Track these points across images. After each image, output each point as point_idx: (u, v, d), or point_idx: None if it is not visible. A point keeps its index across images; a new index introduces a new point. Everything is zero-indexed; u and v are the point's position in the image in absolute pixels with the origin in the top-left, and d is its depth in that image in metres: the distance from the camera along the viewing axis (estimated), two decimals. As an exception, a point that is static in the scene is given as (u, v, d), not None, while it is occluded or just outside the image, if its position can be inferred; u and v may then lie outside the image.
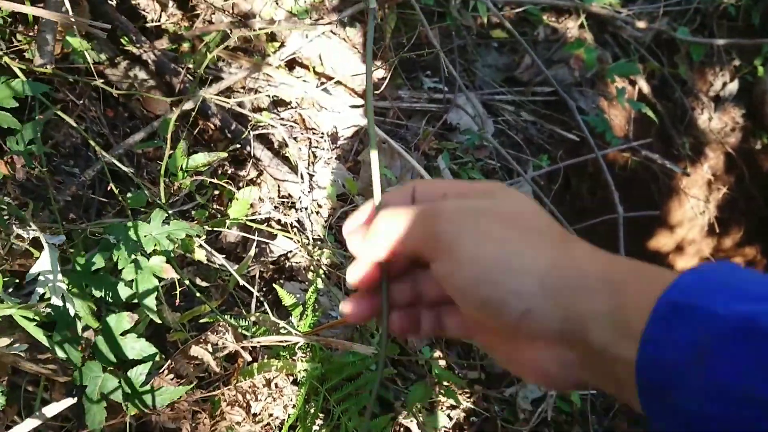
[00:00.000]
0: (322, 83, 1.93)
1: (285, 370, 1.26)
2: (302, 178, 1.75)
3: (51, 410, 0.85)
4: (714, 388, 0.36)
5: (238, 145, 1.73)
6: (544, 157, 2.08)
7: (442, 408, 1.66)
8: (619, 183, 2.60)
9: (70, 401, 0.86)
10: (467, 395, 1.68)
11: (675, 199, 2.67)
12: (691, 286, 0.39)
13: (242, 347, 1.27)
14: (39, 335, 0.87)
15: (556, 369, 0.45)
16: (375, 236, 0.49)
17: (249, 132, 1.72)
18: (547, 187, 2.31)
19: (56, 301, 0.82)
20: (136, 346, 0.97)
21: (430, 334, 0.54)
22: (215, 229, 1.57)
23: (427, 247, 0.47)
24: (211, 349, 1.15)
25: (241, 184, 1.79)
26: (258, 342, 1.26)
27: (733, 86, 2.60)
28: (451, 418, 1.64)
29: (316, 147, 1.86)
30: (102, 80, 1.65)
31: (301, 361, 1.38)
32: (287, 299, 1.36)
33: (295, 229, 1.75)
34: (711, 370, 0.36)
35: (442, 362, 1.70)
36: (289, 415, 1.31)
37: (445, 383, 1.51)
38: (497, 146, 1.72)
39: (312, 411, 1.37)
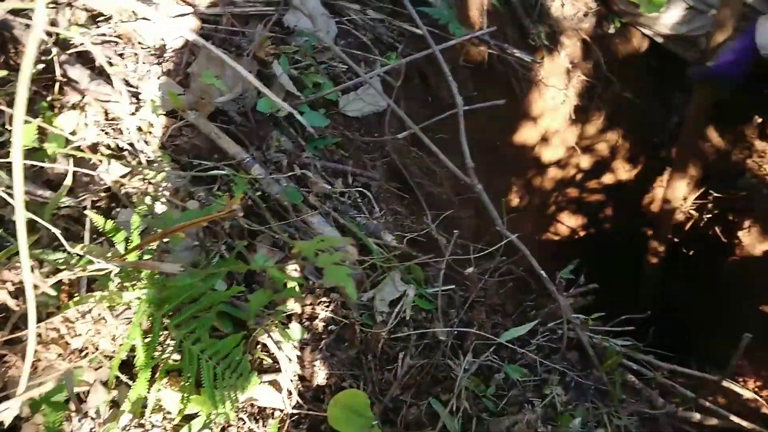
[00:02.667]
0: (145, -8, 1.78)
1: (106, 301, 1.18)
2: (127, 96, 1.62)
3: None
4: None
5: (43, 66, 1.57)
6: (393, 55, 2.01)
7: (299, 320, 1.63)
8: (479, 78, 2.58)
9: None
10: (325, 304, 1.66)
11: (535, 90, 2.68)
12: None
13: (59, 281, 1.18)
14: None
15: None
16: None
17: (57, 51, 1.56)
18: (403, 86, 2.26)
19: None
20: None
21: None
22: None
23: None
24: (12, 288, 1.05)
25: (61, 110, 1.64)
26: (73, 275, 1.17)
27: (583, -29, 2.59)
28: (308, 330, 1.62)
29: (143, 62, 1.73)
30: None
31: (132, 289, 1.31)
32: (106, 225, 1.27)
33: (126, 152, 1.64)
34: None
35: (297, 274, 1.66)
36: (120, 345, 1.24)
37: (289, 286, 1.47)
38: (333, 47, 1.63)
39: (148, 340, 1.30)
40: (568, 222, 3.57)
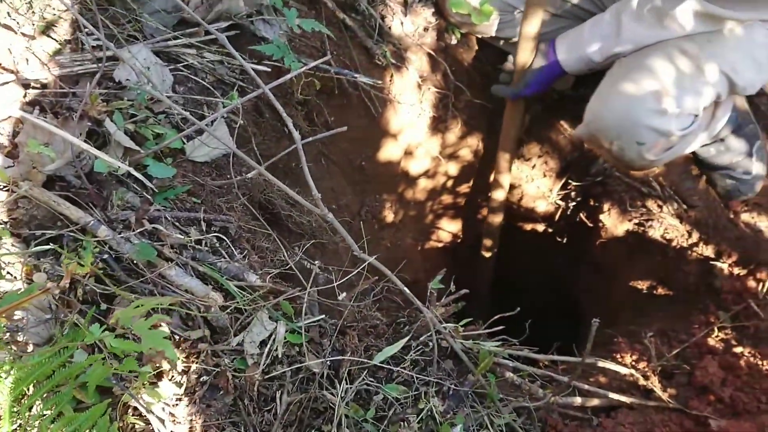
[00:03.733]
0: (-39, 65, 1.71)
1: (-59, 397, 1.12)
2: (-50, 176, 1.55)
3: None
4: None
5: None
6: (234, 94, 2.01)
7: (169, 377, 1.60)
8: (334, 104, 2.62)
9: None
10: (195, 356, 1.63)
11: (390, 108, 2.74)
12: None
13: None
14: None
15: None
16: None
17: None
18: (255, 122, 2.26)
19: None
20: None
21: None
22: None
23: None
24: None
25: None
26: None
27: (417, -12, 2.67)
28: (180, 384, 1.59)
29: (-33, 138, 1.66)
30: None
31: (-27, 378, 1.25)
32: (-70, 318, 1.21)
33: (-40, 234, 1.57)
34: None
35: (165, 328, 1.62)
36: (-34, 441, 1.18)
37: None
38: (163, 97, 1.61)
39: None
40: (448, 228, 3.66)
